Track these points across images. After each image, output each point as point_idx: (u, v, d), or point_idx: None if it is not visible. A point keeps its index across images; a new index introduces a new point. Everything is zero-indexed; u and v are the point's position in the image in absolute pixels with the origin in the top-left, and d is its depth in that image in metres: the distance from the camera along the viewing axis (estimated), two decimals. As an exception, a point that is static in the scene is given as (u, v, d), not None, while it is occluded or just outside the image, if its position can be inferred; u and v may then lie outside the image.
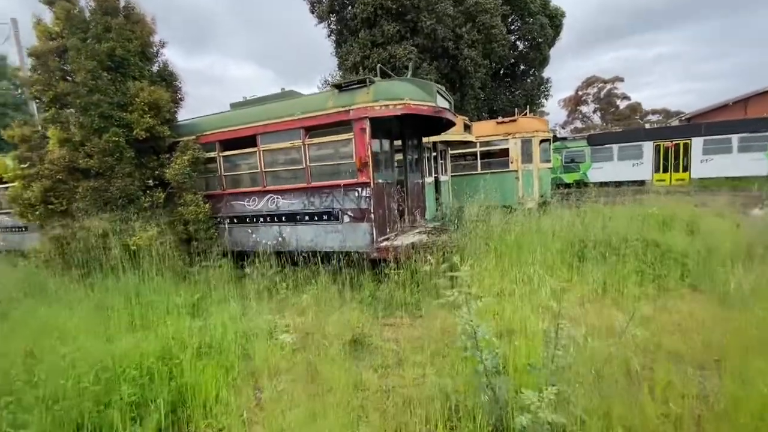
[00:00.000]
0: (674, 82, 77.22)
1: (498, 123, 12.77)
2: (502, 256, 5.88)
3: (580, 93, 54.39)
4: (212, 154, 7.48)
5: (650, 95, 73.45)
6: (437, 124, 7.51)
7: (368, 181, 6.10)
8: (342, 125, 6.27)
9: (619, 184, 24.15)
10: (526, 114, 14.02)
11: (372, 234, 6.20)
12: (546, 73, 28.78)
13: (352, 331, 4.41)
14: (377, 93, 6.04)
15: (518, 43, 26.11)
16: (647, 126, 43.31)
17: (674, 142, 23.84)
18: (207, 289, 6.05)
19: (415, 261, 5.87)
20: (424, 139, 9.21)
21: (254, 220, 7.18)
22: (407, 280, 5.71)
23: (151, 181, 7.09)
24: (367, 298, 5.58)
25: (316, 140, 6.51)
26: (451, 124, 7.45)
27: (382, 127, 6.91)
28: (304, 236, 6.75)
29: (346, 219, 6.36)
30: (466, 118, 10.47)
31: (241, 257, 7.13)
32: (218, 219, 7.55)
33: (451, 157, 12.67)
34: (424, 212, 8.84)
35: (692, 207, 12.00)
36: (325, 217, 6.53)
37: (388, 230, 6.74)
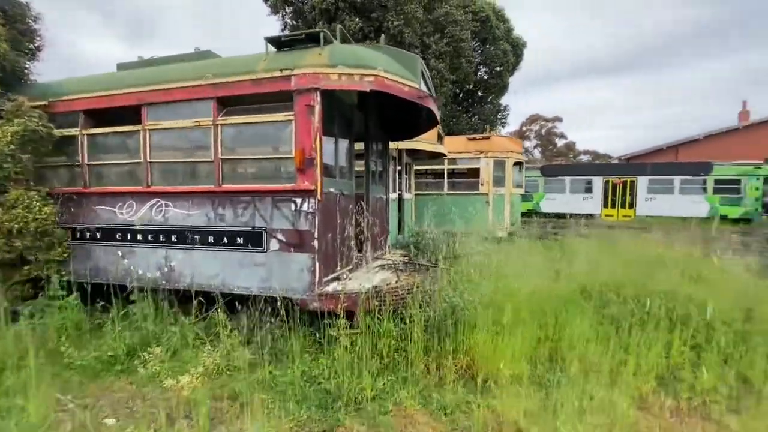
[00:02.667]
0: (603, 127, 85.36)
1: (469, 139, 11.25)
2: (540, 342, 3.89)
3: (524, 128, 57.11)
4: (72, 131, 4.83)
5: (582, 137, 79.83)
6: (415, 119, 5.55)
7: (313, 188, 3.90)
8: (278, 98, 4.05)
9: (570, 216, 24.07)
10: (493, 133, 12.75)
11: (314, 270, 3.94)
12: (503, 101, 28.83)
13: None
14: (335, 55, 3.93)
15: (480, 67, 25.80)
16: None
17: (622, 179, 24.47)
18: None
19: (380, 314, 3.73)
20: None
21: (128, 237, 4.58)
22: (368, 348, 3.52)
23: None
24: (298, 384, 3.28)
25: (234, 119, 4.20)
26: (433, 121, 5.53)
27: (340, 112, 4.79)
28: (205, 268, 4.30)
29: (275, 245, 4.06)
30: (439, 127, 8.73)
31: (101, 294, 4.48)
32: (76, 231, 4.84)
33: (414, 172, 10.83)
34: (386, 238, 6.75)
35: (664, 246, 11.32)
36: (240, 241, 4.17)
37: (339, 264, 4.52)
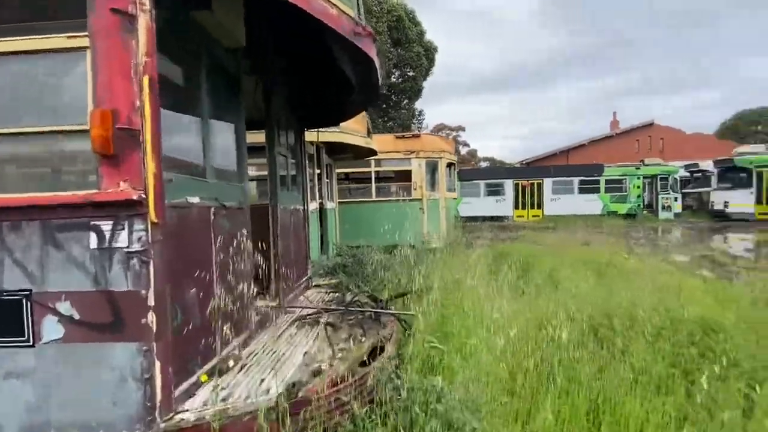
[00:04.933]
0: (495, 137, 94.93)
1: (397, 138, 9.75)
2: None
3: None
4: None
5: (478, 146, 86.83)
6: (343, 91, 3.66)
7: (137, 196, 1.74)
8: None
9: (485, 219, 24.45)
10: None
11: (151, 379, 1.78)
12: (417, 105, 28.58)
13: None
14: None
15: (394, 71, 25.04)
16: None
17: (530, 182, 25.73)
18: None
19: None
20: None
21: None
22: None
23: None
24: None
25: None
26: (370, 94, 3.71)
27: (212, 62, 2.67)
28: None
29: (54, 331, 1.79)
30: (368, 118, 6.98)
31: None
32: None
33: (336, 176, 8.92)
34: (307, 265, 4.72)
35: (590, 247, 11.24)
36: (-35, 325, 1.81)
37: (215, 344, 2.38)
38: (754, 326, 3.76)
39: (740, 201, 19.64)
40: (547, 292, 5.12)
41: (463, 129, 59.04)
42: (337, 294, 4.34)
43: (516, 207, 25.78)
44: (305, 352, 2.65)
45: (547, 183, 25.00)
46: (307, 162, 5.99)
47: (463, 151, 59.48)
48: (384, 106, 26.41)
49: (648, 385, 2.67)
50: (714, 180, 22.06)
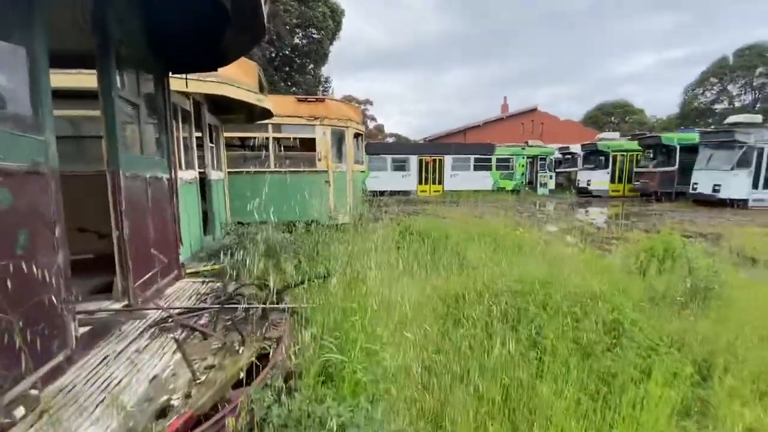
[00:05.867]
0: (395, 113, 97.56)
1: (299, 101, 8.74)
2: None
3: (340, 108, 57.85)
4: None
5: (382, 121, 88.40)
6: (217, 27, 2.74)
7: None
8: None
9: (392, 193, 24.80)
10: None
11: None
12: (323, 71, 27.02)
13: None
14: None
15: (297, 30, 22.98)
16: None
17: (433, 158, 26.67)
18: None
19: None
20: (176, 86, 4.10)
21: None
22: None
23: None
24: None
25: None
26: (257, 28, 2.85)
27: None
28: None
29: None
30: (260, 71, 5.88)
31: None
32: None
33: (226, 144, 7.65)
34: (175, 249, 3.75)
35: (485, 219, 11.98)
36: None
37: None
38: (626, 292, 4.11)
39: (599, 180, 23.25)
40: (455, 267, 5.03)
41: (371, 103, 58.78)
42: (218, 284, 3.53)
43: (420, 182, 26.58)
44: (153, 377, 1.89)
45: (448, 159, 26.23)
46: (179, 120, 4.81)
47: (371, 125, 59.43)
48: (287, 69, 24.30)
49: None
50: (580, 161, 25.62)
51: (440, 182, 26.67)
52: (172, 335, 2.17)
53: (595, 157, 23.91)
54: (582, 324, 3.13)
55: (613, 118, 48.17)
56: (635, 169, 21.96)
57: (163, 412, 1.60)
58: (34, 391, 1.60)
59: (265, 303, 2.78)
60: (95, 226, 3.07)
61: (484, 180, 26.50)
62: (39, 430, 1.48)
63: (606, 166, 23.06)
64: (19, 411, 1.49)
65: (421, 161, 26.41)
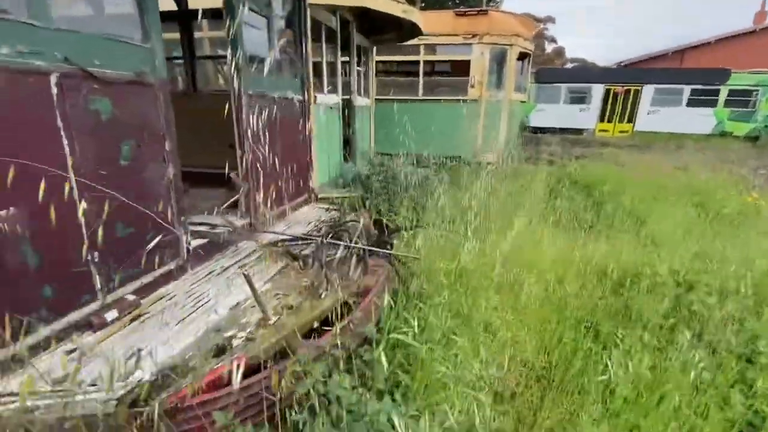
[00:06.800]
0: (589, 34, 77.91)
1: (458, 15, 7.60)
2: None
3: (515, 28, 50.57)
4: None
5: (568, 43, 72.24)
6: None
7: None
8: None
9: (560, 131, 21.25)
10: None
11: None
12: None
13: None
14: None
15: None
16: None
17: (625, 88, 21.14)
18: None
19: None
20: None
21: None
22: None
23: None
24: None
25: None
26: None
27: None
28: None
29: None
30: (412, -22, 5.13)
31: None
32: None
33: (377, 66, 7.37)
34: (306, 173, 3.79)
35: (690, 173, 8.90)
36: None
37: (94, 288, 1.62)
38: None
39: None
40: (627, 234, 3.77)
41: (552, 20, 49.50)
42: (337, 214, 3.44)
43: (601, 119, 21.82)
44: (236, 304, 1.84)
45: (647, 90, 20.42)
46: (323, 40, 4.64)
47: (549, 48, 50.52)
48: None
49: None
50: None
51: (630, 120, 21.27)
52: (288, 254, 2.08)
53: None
54: None
55: None
56: None
57: (222, 350, 1.49)
58: (130, 296, 1.70)
59: (371, 243, 2.49)
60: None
61: (701, 120, 19.82)
62: (120, 334, 1.54)
63: None
64: (112, 314, 1.58)
65: (607, 92, 21.29)
